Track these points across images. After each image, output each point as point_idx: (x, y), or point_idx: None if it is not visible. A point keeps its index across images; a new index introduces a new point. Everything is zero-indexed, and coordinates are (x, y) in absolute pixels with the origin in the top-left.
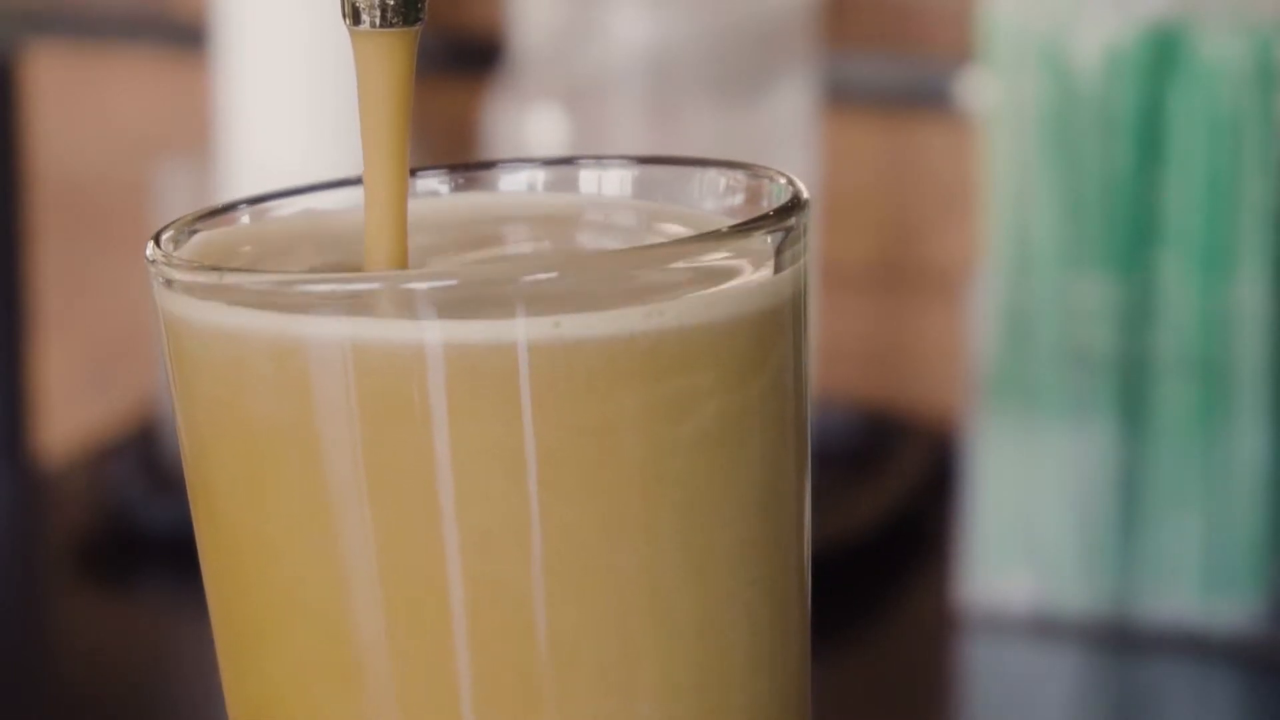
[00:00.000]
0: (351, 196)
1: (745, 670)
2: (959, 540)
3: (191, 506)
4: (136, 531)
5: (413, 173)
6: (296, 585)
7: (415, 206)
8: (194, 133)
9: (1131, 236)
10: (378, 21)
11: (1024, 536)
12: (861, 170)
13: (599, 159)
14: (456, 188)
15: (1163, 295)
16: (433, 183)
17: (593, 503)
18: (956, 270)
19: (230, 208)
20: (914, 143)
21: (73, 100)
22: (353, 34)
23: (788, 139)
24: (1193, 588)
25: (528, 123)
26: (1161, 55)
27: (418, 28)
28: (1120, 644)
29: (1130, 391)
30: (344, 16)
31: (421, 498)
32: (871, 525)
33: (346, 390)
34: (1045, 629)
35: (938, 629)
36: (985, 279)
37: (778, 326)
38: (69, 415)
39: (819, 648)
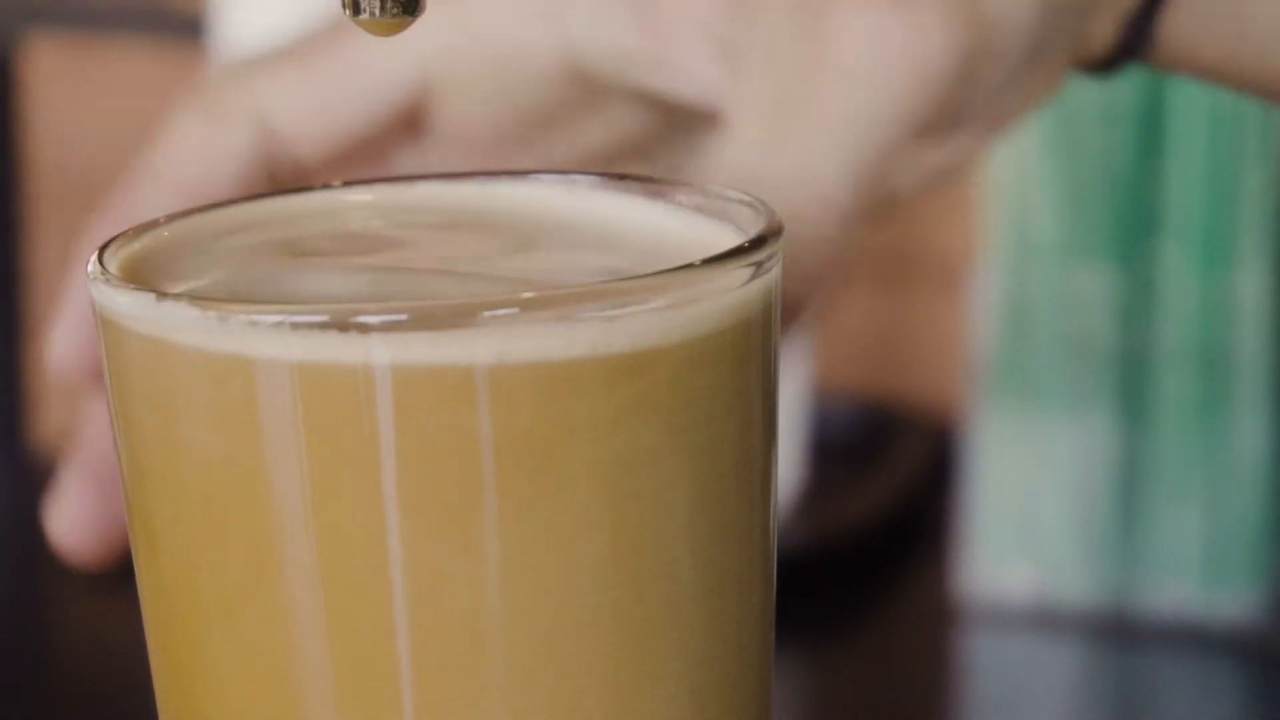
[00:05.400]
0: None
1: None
2: (959, 532)
3: (130, 538)
4: None
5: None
6: (236, 618)
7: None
8: None
9: (1132, 227)
10: (377, 12)
11: (1024, 528)
12: None
13: (565, 174)
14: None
15: (1163, 286)
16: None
17: (545, 536)
18: (956, 261)
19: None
20: None
21: (72, 92)
22: (354, 24)
23: None
24: (1193, 579)
25: None
26: None
27: (417, 17)
28: (1120, 636)
29: (1130, 382)
30: (344, 8)
31: (368, 533)
32: (871, 517)
33: (294, 414)
34: (1045, 621)
35: (938, 621)
36: (985, 270)
37: (746, 344)
38: (67, 406)
39: (820, 640)
